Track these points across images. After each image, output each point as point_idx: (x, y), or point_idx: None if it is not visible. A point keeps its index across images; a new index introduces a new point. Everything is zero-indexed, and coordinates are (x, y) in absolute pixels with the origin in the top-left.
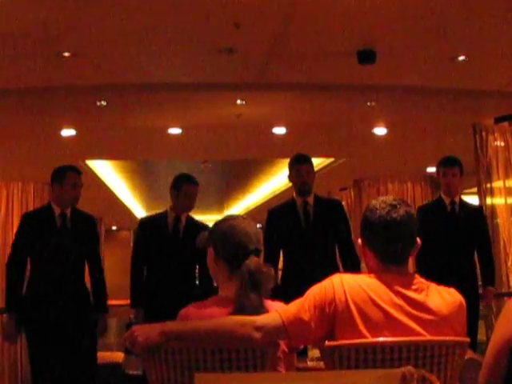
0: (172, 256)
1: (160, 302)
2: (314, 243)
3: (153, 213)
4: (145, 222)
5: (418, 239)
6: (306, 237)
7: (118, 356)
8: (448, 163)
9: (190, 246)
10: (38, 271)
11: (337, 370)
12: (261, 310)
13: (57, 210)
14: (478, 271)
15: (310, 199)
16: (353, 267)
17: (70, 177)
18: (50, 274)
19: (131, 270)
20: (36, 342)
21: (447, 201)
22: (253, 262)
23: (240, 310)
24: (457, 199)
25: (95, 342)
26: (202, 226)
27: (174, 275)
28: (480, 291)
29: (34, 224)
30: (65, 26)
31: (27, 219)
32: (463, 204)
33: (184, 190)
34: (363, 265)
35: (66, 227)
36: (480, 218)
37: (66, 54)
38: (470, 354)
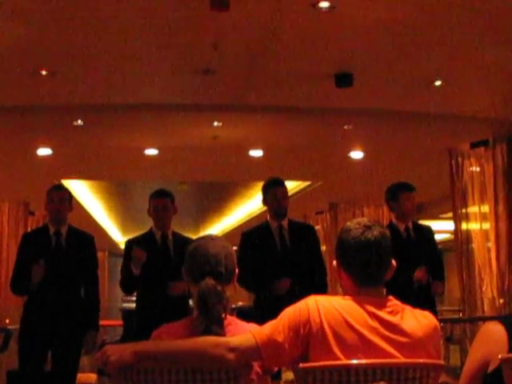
0: (164, 272)
1: (156, 321)
2: (288, 266)
3: (136, 234)
4: (132, 241)
5: (393, 261)
6: (281, 260)
7: (91, 377)
8: (410, 188)
9: (181, 259)
10: (35, 288)
11: None
12: (214, 330)
13: (52, 229)
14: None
15: (285, 223)
16: (321, 291)
17: (49, 194)
18: (45, 292)
19: (126, 292)
20: (26, 356)
21: (401, 227)
22: (204, 283)
23: (195, 330)
24: (409, 224)
25: (77, 362)
26: (189, 240)
27: (166, 291)
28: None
29: (31, 243)
30: (42, 45)
31: (25, 239)
32: (417, 227)
33: (152, 204)
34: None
35: (60, 245)
36: (432, 238)
37: (44, 73)
38: (444, 378)
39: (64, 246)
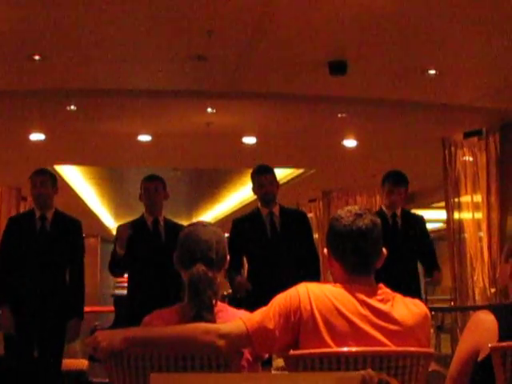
0: (155, 258)
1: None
2: (278, 253)
3: (129, 220)
4: (122, 226)
5: (384, 249)
6: (272, 247)
7: (83, 363)
8: (396, 183)
9: (173, 245)
10: (19, 273)
11: (296, 373)
12: (205, 316)
13: (37, 213)
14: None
15: (276, 210)
16: (314, 280)
17: (32, 178)
18: (28, 276)
19: (112, 273)
20: (12, 342)
21: (389, 213)
22: (195, 269)
23: (185, 316)
24: (398, 211)
25: (61, 349)
26: (181, 227)
27: (158, 277)
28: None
29: (16, 227)
30: (35, 29)
31: (10, 223)
32: (405, 215)
33: (144, 187)
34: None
35: (44, 229)
36: (423, 227)
37: (36, 58)
38: (434, 366)
39: (49, 230)
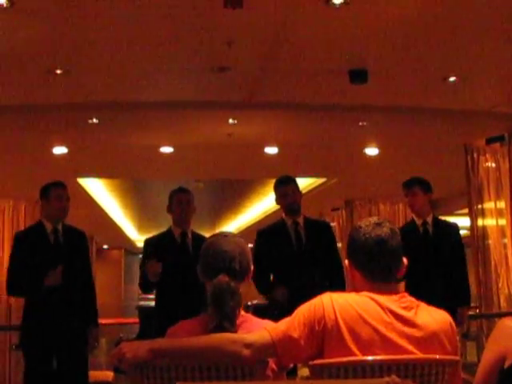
0: (183, 271)
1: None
2: (304, 264)
3: (154, 233)
4: (150, 241)
5: (405, 259)
6: (297, 257)
7: (108, 375)
8: (406, 185)
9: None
10: (34, 287)
11: (322, 380)
12: (226, 327)
13: (48, 227)
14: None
15: (300, 220)
16: (340, 289)
17: (54, 190)
18: (45, 289)
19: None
20: (33, 357)
21: (419, 222)
22: (217, 280)
23: (208, 326)
24: (429, 219)
25: (86, 359)
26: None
27: (185, 289)
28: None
29: (26, 242)
30: (57, 44)
31: (19, 238)
32: (437, 223)
33: (176, 199)
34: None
35: (58, 243)
36: (456, 236)
37: (58, 72)
38: (461, 374)
39: (62, 243)
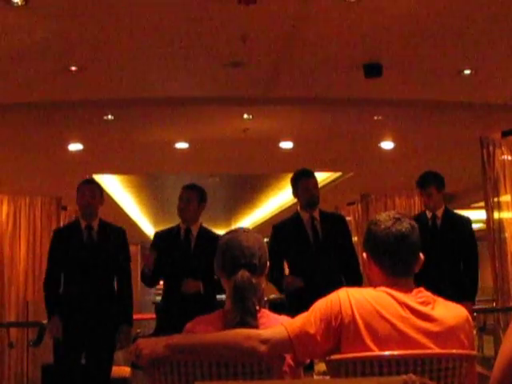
0: (184, 265)
1: (176, 314)
2: (321, 258)
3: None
4: (158, 233)
5: (421, 254)
6: (314, 252)
7: (125, 371)
8: (422, 185)
9: (201, 256)
10: (68, 283)
11: (339, 378)
12: (249, 322)
13: (83, 224)
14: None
15: (316, 214)
16: (356, 283)
17: (80, 188)
18: (77, 286)
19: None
20: (61, 350)
21: (429, 215)
22: (239, 275)
23: (229, 322)
24: (439, 212)
25: (111, 356)
26: (215, 238)
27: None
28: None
29: (62, 239)
30: (71, 41)
31: (56, 235)
32: (448, 216)
33: (180, 196)
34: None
35: (92, 239)
36: (466, 229)
37: (73, 69)
38: (478, 369)
39: (96, 239)
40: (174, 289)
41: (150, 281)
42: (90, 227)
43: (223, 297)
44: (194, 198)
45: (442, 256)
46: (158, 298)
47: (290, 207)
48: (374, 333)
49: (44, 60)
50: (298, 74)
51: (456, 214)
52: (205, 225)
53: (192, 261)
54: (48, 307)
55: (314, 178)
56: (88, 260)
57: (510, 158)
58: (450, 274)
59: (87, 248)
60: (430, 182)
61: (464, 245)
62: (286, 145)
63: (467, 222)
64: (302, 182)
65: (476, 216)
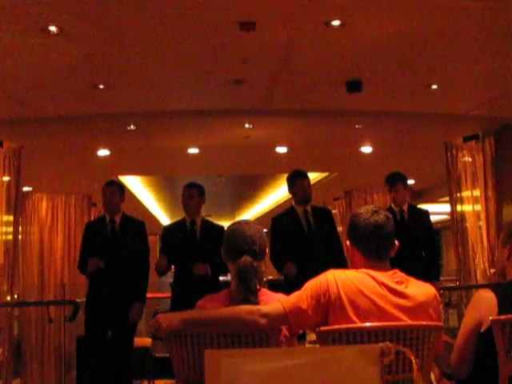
0: (192, 253)
1: (185, 292)
2: (314, 245)
3: (174, 221)
4: (166, 227)
5: (396, 241)
6: (308, 240)
7: (147, 341)
8: (392, 183)
9: (207, 243)
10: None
11: (324, 346)
12: (251, 299)
13: (107, 218)
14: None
15: (309, 208)
16: (341, 266)
17: (103, 189)
18: (105, 272)
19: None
20: (91, 325)
21: (396, 209)
22: (242, 260)
23: (235, 299)
24: (405, 207)
25: (134, 329)
26: (217, 228)
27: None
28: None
29: (91, 231)
30: (100, 63)
31: (87, 228)
32: (411, 210)
33: (182, 193)
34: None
35: (114, 231)
36: (426, 220)
37: (101, 87)
38: (444, 338)
39: (117, 232)
40: (186, 271)
41: (161, 273)
42: (113, 221)
43: (225, 278)
44: (194, 194)
45: (411, 243)
46: None
47: (285, 202)
48: (357, 308)
49: (76, 79)
50: (292, 90)
51: (417, 208)
52: (213, 217)
53: (199, 247)
54: (83, 268)
55: (308, 178)
56: (111, 249)
57: (470, 159)
58: (417, 257)
59: (109, 239)
60: (397, 179)
61: (425, 233)
62: (282, 149)
63: (426, 214)
64: (298, 182)
65: (441, 209)
